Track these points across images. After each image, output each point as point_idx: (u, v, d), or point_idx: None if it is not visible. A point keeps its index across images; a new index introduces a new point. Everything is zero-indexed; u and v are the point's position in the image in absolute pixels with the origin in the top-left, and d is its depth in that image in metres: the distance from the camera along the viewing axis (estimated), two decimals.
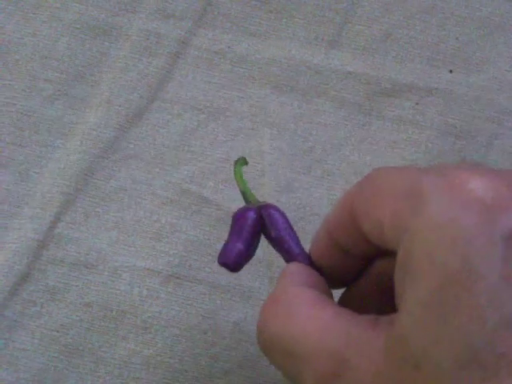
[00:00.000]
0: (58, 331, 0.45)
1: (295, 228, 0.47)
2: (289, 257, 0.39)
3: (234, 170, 0.41)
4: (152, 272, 0.46)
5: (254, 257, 0.46)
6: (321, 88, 0.50)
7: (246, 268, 0.46)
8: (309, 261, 0.39)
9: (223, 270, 0.46)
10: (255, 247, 0.40)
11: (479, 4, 0.52)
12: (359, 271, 0.39)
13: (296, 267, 0.39)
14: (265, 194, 0.48)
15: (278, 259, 0.46)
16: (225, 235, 0.47)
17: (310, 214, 0.48)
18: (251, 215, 0.40)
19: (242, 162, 0.41)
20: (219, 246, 0.47)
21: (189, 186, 0.48)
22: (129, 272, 0.46)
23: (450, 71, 0.51)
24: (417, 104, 0.50)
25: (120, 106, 0.49)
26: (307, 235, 0.47)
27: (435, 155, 0.49)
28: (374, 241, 0.34)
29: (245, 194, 0.41)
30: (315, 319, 0.34)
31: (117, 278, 0.46)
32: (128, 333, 0.45)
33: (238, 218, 0.40)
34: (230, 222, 0.47)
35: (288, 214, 0.47)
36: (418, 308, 0.30)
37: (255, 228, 0.40)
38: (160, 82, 0.50)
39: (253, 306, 0.46)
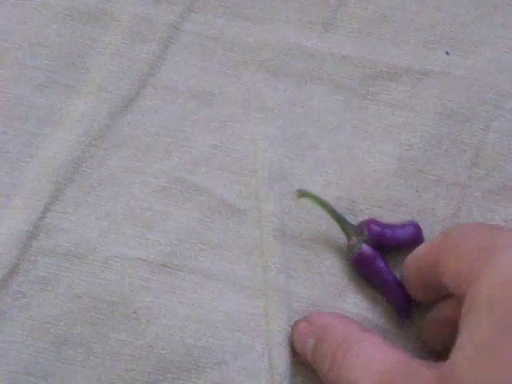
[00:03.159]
0: (48, 323, 0.44)
1: (288, 216, 0.47)
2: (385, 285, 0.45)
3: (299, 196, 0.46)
4: (143, 261, 0.46)
5: (246, 246, 0.46)
6: (315, 72, 0.49)
7: (238, 257, 0.46)
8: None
9: (215, 259, 0.46)
10: None
11: None
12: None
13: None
14: (258, 181, 0.47)
15: (271, 248, 0.46)
16: (217, 223, 0.46)
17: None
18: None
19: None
20: (211, 235, 0.46)
21: (180, 174, 0.47)
22: (119, 262, 0.45)
23: (447, 53, 0.50)
24: (413, 87, 0.49)
25: (111, 92, 0.48)
26: (300, 224, 0.47)
27: (432, 139, 0.48)
28: (452, 290, 0.37)
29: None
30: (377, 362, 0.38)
31: (107, 268, 0.45)
32: (119, 324, 0.45)
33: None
34: (221, 209, 0.47)
35: (282, 202, 0.47)
36: (471, 350, 0.32)
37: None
38: (151, 68, 0.49)
39: (245, 295, 0.45)
